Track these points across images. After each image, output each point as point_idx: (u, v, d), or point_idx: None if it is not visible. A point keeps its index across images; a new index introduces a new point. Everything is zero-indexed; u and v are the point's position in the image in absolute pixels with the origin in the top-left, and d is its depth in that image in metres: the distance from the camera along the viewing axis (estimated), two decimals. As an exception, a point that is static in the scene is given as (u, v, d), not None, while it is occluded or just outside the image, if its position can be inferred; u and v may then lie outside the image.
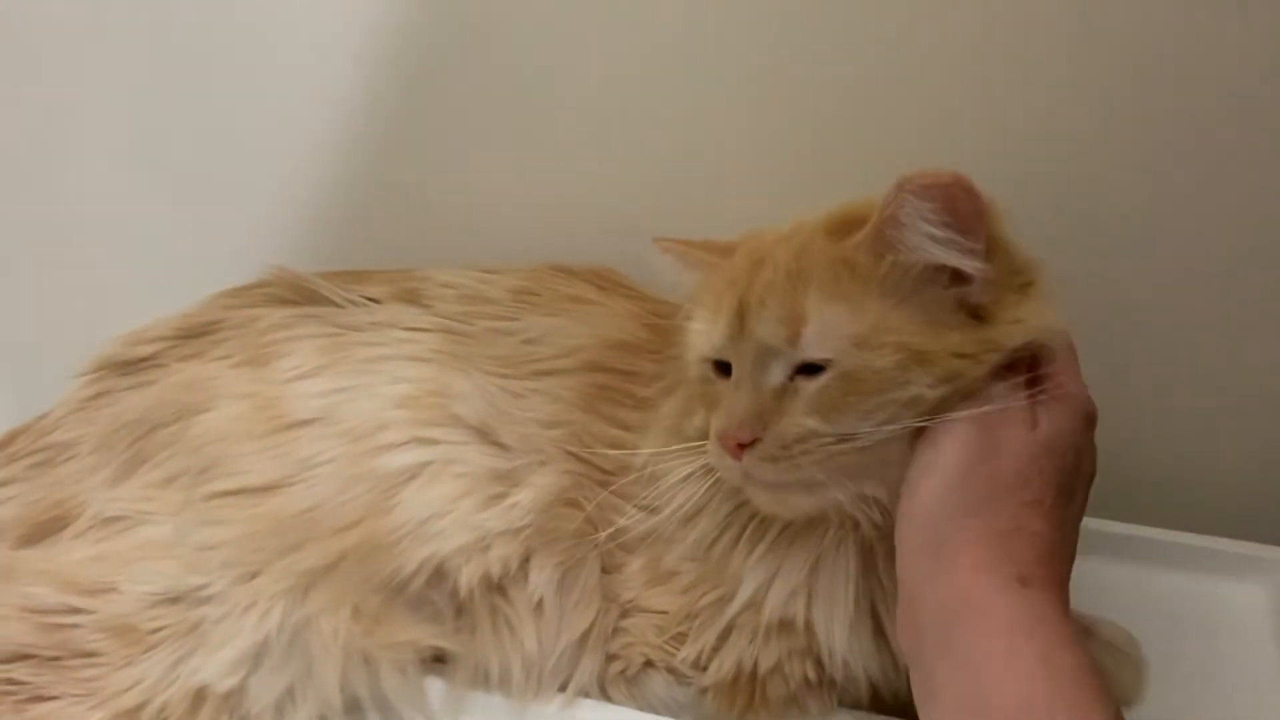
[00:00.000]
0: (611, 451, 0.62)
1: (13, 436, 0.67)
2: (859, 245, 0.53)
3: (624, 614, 0.62)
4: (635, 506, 0.61)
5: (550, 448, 0.62)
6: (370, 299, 0.69)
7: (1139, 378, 0.78)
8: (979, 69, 0.69)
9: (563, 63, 0.77)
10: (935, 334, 0.51)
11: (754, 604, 0.59)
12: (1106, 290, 0.74)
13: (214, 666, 0.56)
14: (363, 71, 0.80)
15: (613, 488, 0.61)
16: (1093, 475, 0.54)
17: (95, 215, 0.93)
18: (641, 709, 0.62)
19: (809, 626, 0.58)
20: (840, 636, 0.57)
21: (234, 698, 0.57)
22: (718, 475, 0.56)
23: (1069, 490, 0.51)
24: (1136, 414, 0.79)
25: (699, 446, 0.56)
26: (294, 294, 0.69)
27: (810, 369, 0.52)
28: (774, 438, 0.52)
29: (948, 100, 0.70)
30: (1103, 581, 0.74)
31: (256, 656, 0.57)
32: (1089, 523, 0.69)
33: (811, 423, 0.51)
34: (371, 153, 0.84)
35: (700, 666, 0.61)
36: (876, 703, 0.61)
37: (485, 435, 0.62)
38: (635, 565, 0.62)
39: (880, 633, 0.58)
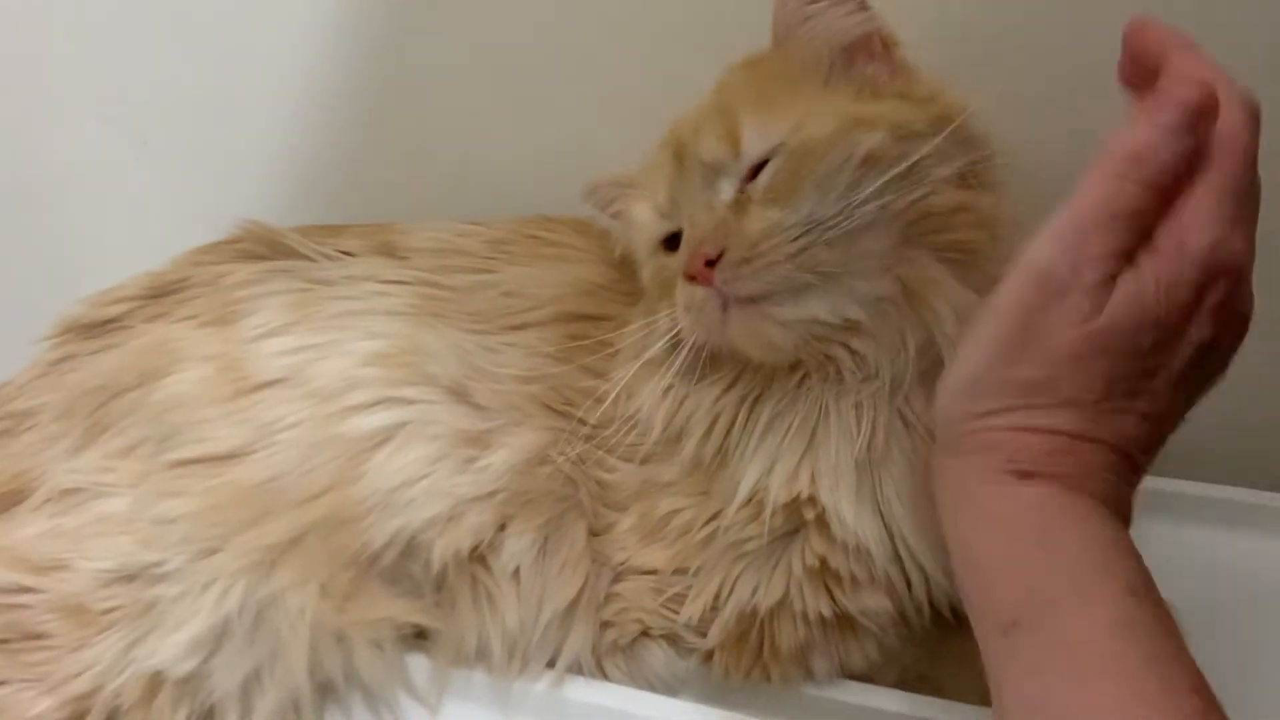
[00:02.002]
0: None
1: (-24, 405, 0.64)
2: (769, 57, 0.56)
3: (617, 578, 0.59)
4: (620, 458, 0.58)
5: (528, 404, 0.58)
6: (345, 252, 0.65)
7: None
8: None
9: (547, 16, 0.73)
10: (868, 102, 0.53)
11: (757, 502, 0.54)
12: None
13: (169, 650, 0.53)
14: (339, 26, 0.77)
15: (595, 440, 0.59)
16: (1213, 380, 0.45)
17: (69, 175, 0.90)
18: (638, 685, 0.59)
19: (814, 500, 0.53)
20: (848, 506, 0.53)
21: (193, 682, 0.53)
22: (695, 383, 0.55)
23: (1131, 382, 0.42)
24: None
25: (669, 317, 0.55)
26: (265, 249, 0.65)
27: (758, 170, 0.52)
28: (740, 240, 0.50)
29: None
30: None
31: (217, 638, 0.53)
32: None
33: (773, 213, 0.50)
34: (351, 107, 0.81)
35: (702, 630, 0.58)
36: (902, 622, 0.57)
37: (460, 395, 0.58)
38: (626, 523, 0.59)
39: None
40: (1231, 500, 0.70)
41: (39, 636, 0.53)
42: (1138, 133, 0.41)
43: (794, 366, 0.54)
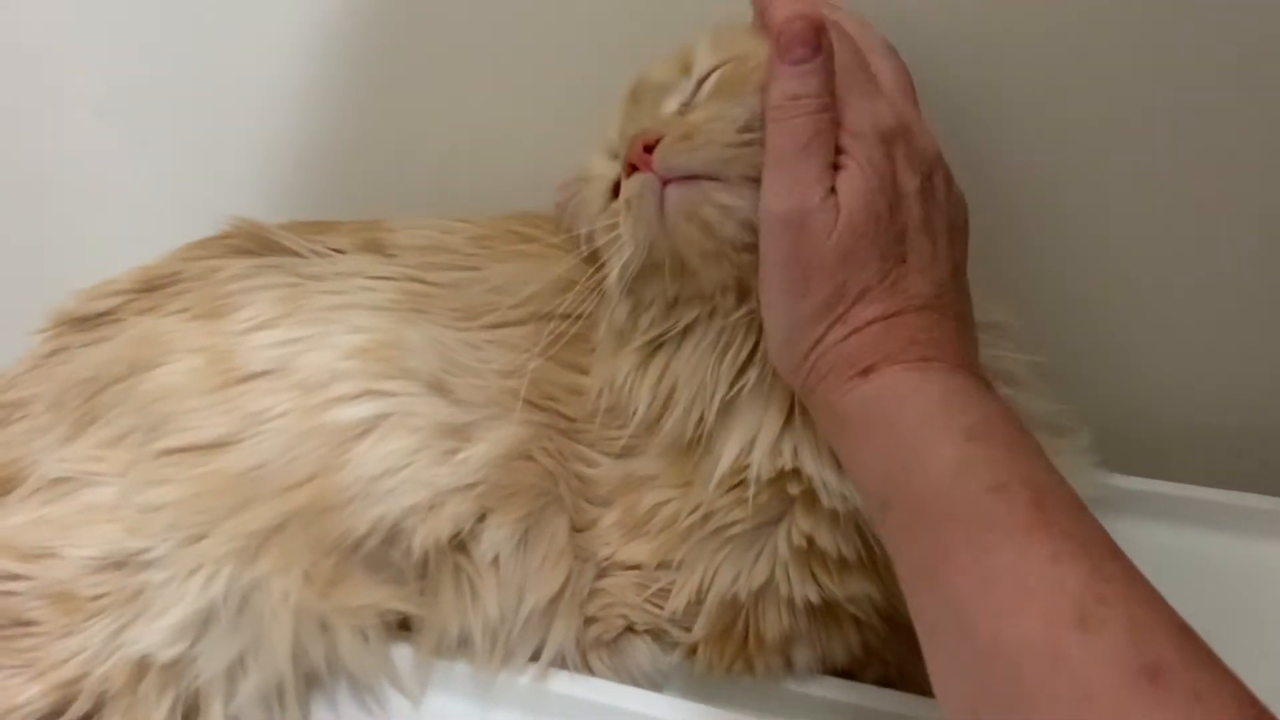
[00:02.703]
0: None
1: (-31, 396, 0.64)
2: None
3: (601, 573, 0.59)
4: (600, 453, 0.59)
5: (508, 398, 0.58)
6: (334, 249, 0.65)
7: (1175, 328, 0.74)
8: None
9: (536, 12, 0.73)
10: None
11: (741, 482, 0.54)
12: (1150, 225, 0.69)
13: (155, 635, 0.53)
14: (329, 27, 0.77)
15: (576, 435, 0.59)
16: (953, 217, 0.51)
17: (63, 171, 0.91)
18: (623, 680, 0.59)
19: (799, 473, 0.53)
20: (831, 472, 0.53)
21: (178, 667, 0.54)
22: (670, 342, 0.56)
23: (893, 248, 0.48)
24: (1170, 367, 0.75)
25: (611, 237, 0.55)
26: (256, 244, 0.65)
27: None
28: (680, 126, 0.51)
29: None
30: (1136, 542, 0.68)
31: (203, 623, 0.54)
32: (1120, 481, 0.65)
33: (716, 104, 0.51)
34: (341, 106, 0.80)
35: (687, 625, 0.58)
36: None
37: (438, 389, 0.58)
38: (610, 518, 0.59)
39: None
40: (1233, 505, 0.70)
41: (27, 623, 0.53)
42: (778, 82, 0.48)
43: (743, 299, 0.53)
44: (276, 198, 0.82)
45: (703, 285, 0.54)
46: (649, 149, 0.50)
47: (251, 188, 0.83)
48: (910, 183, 0.49)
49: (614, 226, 0.54)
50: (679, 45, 0.58)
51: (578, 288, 0.59)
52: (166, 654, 0.53)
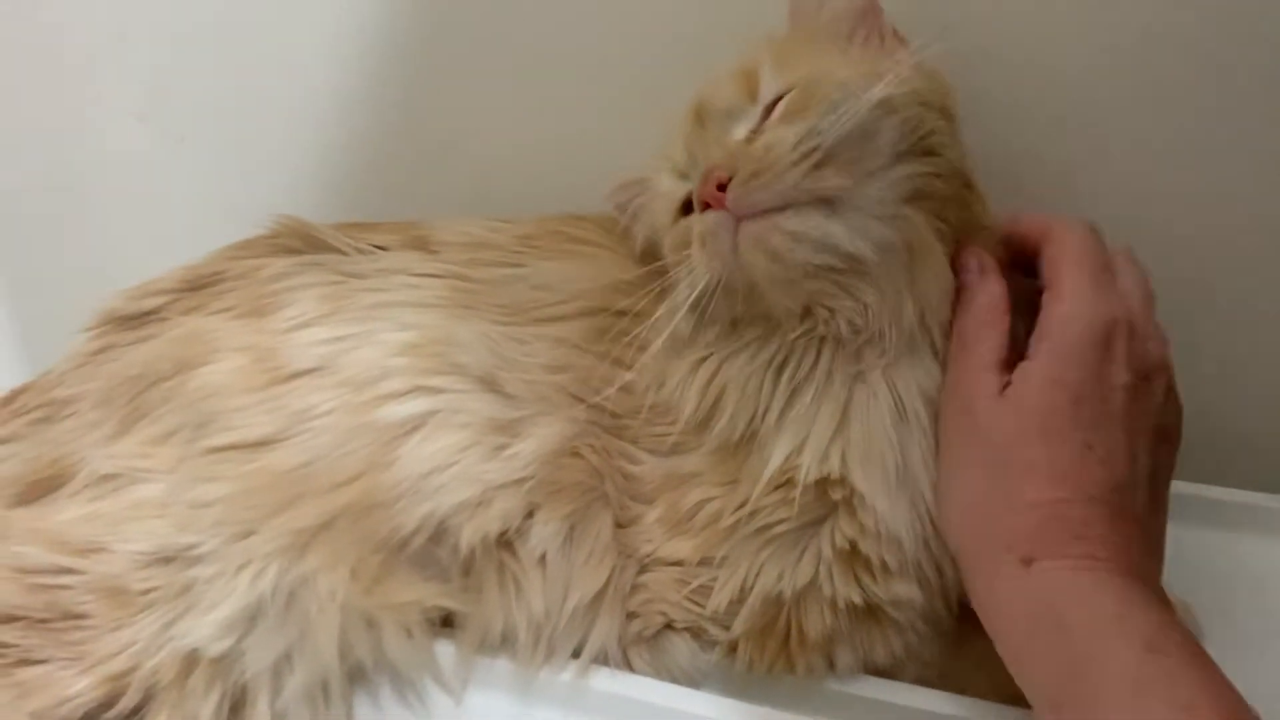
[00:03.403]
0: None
1: (16, 394, 0.65)
2: (789, 33, 0.59)
3: (642, 569, 0.59)
4: (646, 450, 0.59)
5: (556, 394, 0.59)
6: (378, 247, 0.66)
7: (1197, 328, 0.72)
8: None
9: (575, 16, 0.74)
10: (885, 62, 0.54)
11: (787, 483, 0.55)
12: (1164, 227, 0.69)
13: (205, 629, 0.54)
14: (367, 30, 0.78)
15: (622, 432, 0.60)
16: (1164, 423, 0.52)
17: (107, 173, 0.92)
18: (662, 678, 0.59)
19: (844, 481, 0.54)
20: (881, 493, 0.54)
21: (227, 661, 0.54)
22: (725, 352, 0.57)
23: (1077, 438, 0.48)
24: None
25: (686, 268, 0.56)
26: (300, 243, 0.66)
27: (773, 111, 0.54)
28: (749, 158, 0.51)
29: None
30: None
31: (250, 619, 0.54)
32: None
33: (783, 129, 0.52)
34: (379, 108, 0.82)
35: (726, 623, 0.58)
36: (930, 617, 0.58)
37: (489, 384, 0.59)
38: (653, 515, 0.59)
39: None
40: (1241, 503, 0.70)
41: (78, 617, 0.54)
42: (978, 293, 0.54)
43: (805, 319, 0.55)
44: (315, 201, 0.84)
45: (771, 308, 0.55)
46: (721, 187, 0.51)
47: (290, 191, 0.85)
48: (1120, 376, 0.50)
49: (685, 245, 0.56)
50: (738, 60, 0.58)
51: (632, 288, 0.61)
52: (215, 648, 0.54)
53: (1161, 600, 0.46)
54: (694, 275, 0.55)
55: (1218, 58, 0.63)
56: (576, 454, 0.59)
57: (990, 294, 0.53)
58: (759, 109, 0.55)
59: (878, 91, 0.51)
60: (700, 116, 0.57)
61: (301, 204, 0.75)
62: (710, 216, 0.52)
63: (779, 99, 0.54)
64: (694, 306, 0.56)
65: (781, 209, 0.51)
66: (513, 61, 0.77)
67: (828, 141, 0.50)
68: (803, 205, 0.51)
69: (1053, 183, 0.69)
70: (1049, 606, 0.45)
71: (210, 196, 0.88)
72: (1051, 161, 0.69)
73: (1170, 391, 0.53)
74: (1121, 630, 0.43)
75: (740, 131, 0.55)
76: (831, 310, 0.54)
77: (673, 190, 0.59)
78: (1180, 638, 0.43)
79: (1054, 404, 0.48)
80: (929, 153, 0.54)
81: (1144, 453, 0.50)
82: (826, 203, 0.51)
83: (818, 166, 0.50)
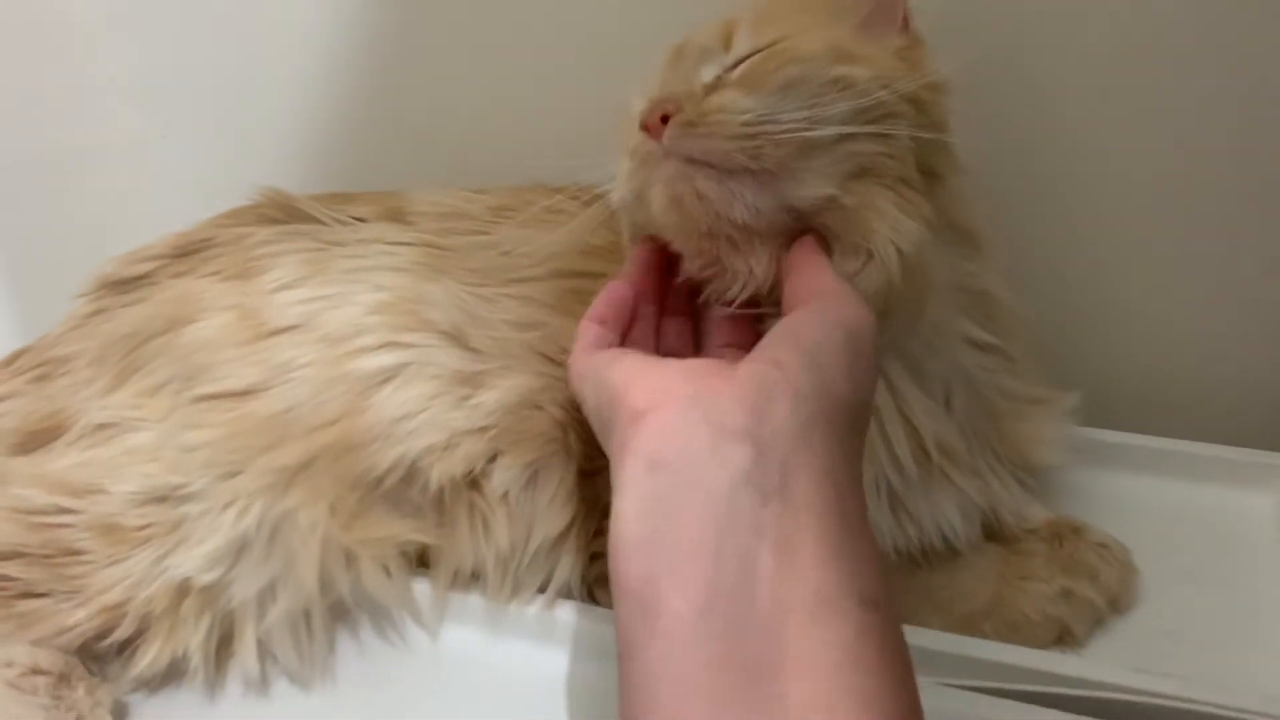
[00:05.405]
0: None
1: (16, 355, 0.69)
2: None
3: (605, 514, 0.62)
4: None
5: (522, 351, 0.63)
6: (357, 218, 0.70)
7: (1137, 279, 0.77)
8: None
9: None
10: (864, 44, 0.55)
11: None
12: (1098, 186, 0.73)
13: (195, 561, 0.57)
14: (349, 12, 0.81)
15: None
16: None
17: (97, 151, 0.96)
18: (624, 611, 0.62)
19: None
20: None
21: (215, 590, 0.58)
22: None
23: None
24: (1134, 319, 0.78)
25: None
26: (283, 213, 0.70)
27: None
28: (695, 107, 0.51)
29: None
30: (1104, 491, 0.73)
31: (237, 551, 0.58)
32: (1090, 433, 0.69)
33: (736, 94, 0.51)
34: (361, 88, 0.85)
35: None
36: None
37: (457, 339, 0.62)
38: None
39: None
40: (1200, 455, 0.74)
41: (77, 553, 0.57)
42: None
43: (703, 268, 0.56)
44: (299, 176, 0.86)
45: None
46: (665, 119, 0.51)
47: (274, 168, 0.88)
48: None
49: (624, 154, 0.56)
50: (731, 13, 0.59)
51: (603, 252, 0.64)
52: (205, 578, 0.57)
53: None
54: (616, 186, 0.57)
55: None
56: (539, 407, 0.62)
57: None
58: (729, 59, 0.55)
59: (836, 71, 0.52)
60: (680, 52, 0.58)
61: (285, 180, 0.79)
62: (643, 141, 0.53)
63: (748, 56, 0.54)
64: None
65: (706, 165, 0.51)
66: (493, 39, 0.80)
67: (774, 131, 0.50)
68: (729, 170, 0.51)
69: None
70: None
71: (195, 174, 0.91)
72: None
73: None
74: None
75: (709, 74, 0.55)
76: (716, 270, 0.55)
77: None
78: None
79: None
80: (886, 136, 0.53)
81: None
82: (753, 173, 0.51)
83: (757, 146, 0.50)
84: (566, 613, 0.62)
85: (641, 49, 0.74)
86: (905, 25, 0.59)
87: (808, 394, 0.43)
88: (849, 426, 0.45)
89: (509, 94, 0.82)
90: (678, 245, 0.57)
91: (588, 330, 0.55)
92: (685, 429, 0.42)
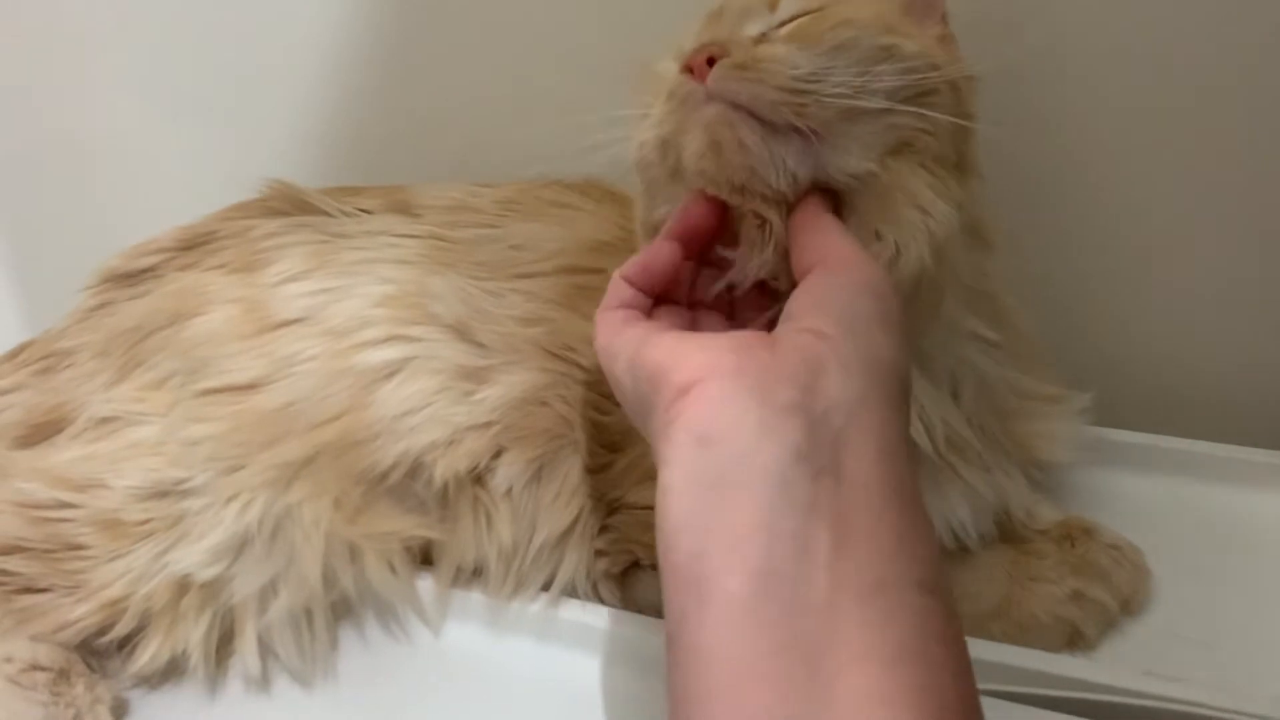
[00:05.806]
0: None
1: (21, 348, 0.69)
2: None
3: (611, 511, 0.62)
4: (615, 402, 0.59)
5: (528, 346, 0.62)
6: (363, 210, 0.69)
7: (1150, 278, 0.76)
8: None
9: None
10: (908, 23, 0.53)
11: None
12: (1114, 188, 0.72)
13: (195, 556, 0.57)
14: (359, 5, 0.81)
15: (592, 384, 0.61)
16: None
17: (106, 141, 0.96)
18: (629, 610, 0.62)
19: None
20: None
21: (216, 586, 0.58)
22: None
23: None
24: (1148, 319, 0.77)
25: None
26: (289, 205, 0.69)
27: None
28: (745, 51, 0.48)
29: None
30: (1117, 492, 0.72)
31: (239, 547, 0.58)
32: (1102, 433, 0.68)
33: (788, 48, 0.48)
34: (370, 80, 0.84)
35: None
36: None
37: (461, 334, 0.62)
38: (622, 463, 0.62)
39: None
40: (1214, 455, 0.72)
41: (78, 548, 0.57)
42: None
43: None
44: (306, 170, 0.86)
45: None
46: (711, 62, 0.48)
47: (281, 161, 0.87)
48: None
49: (659, 94, 0.52)
50: None
51: (610, 248, 0.63)
52: (205, 574, 0.57)
53: None
54: (645, 126, 0.53)
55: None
56: (544, 403, 0.61)
57: None
58: (775, 19, 0.53)
59: (886, 41, 0.50)
60: (719, 12, 0.55)
61: (292, 171, 0.79)
62: (685, 80, 0.49)
63: (796, 17, 0.52)
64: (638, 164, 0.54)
65: (750, 115, 0.47)
66: (501, 33, 0.80)
67: (823, 92, 0.48)
68: (772, 124, 0.48)
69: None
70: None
71: (204, 164, 0.90)
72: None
73: None
74: None
75: (753, 29, 0.53)
76: (755, 215, 0.51)
77: (671, 73, 0.54)
78: None
79: None
80: (928, 113, 0.51)
81: None
82: (799, 133, 0.48)
83: (803, 104, 0.47)
84: (570, 610, 0.62)
85: (650, 46, 0.74)
86: (943, 18, 0.58)
87: (855, 366, 0.41)
88: (901, 396, 0.43)
89: (517, 89, 0.81)
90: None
91: (621, 290, 0.50)
92: (735, 402, 0.40)
